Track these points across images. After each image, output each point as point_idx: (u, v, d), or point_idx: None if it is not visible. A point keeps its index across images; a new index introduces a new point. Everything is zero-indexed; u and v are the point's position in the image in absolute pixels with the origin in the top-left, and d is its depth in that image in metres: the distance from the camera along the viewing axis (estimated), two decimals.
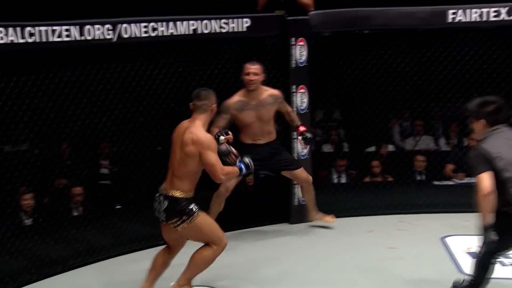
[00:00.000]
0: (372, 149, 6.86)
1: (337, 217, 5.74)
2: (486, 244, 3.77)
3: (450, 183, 6.30)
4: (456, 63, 5.90)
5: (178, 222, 3.96)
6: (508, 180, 3.63)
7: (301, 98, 5.65)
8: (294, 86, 5.62)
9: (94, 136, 5.48)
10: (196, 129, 3.95)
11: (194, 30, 5.16)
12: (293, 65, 5.59)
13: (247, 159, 4.20)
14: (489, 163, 3.62)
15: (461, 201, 5.68)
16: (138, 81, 5.29)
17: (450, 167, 6.45)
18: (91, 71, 5.08)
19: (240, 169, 4.15)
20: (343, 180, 6.51)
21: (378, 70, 5.96)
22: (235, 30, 5.31)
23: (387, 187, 6.13)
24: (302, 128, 5.22)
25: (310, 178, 5.39)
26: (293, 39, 5.56)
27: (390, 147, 6.99)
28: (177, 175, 3.97)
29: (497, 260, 3.92)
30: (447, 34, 5.78)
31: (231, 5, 6.71)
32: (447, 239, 5.20)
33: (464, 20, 5.51)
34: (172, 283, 4.19)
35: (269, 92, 5.16)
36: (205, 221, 4.07)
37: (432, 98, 6.50)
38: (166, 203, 3.97)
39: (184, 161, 3.94)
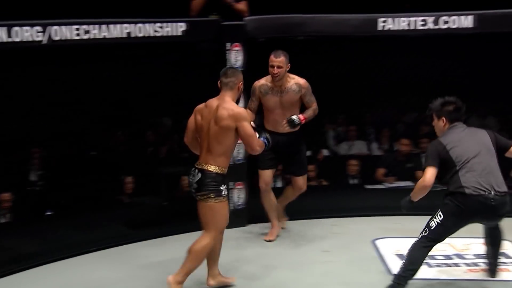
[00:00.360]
0: (308, 153, 6.92)
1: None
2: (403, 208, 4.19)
3: (381, 186, 6.44)
4: (387, 70, 6.06)
5: (205, 197, 4.06)
6: (459, 166, 4.02)
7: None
8: None
9: (23, 141, 5.33)
10: (229, 104, 4.08)
11: (128, 33, 5.10)
12: None
13: (267, 134, 4.33)
14: (440, 156, 4.04)
15: (392, 204, 5.79)
16: (71, 85, 5.18)
17: (381, 171, 6.61)
18: (21, 75, 4.94)
19: (265, 143, 4.23)
20: (279, 184, 6.55)
21: (312, 76, 6.03)
22: (170, 34, 5.28)
23: (322, 191, 6.22)
24: (301, 116, 5.12)
25: (305, 188, 5.40)
26: (228, 44, 5.56)
27: (325, 152, 7.10)
28: (213, 151, 4.05)
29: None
30: (378, 42, 5.91)
31: (168, 9, 6.66)
32: (378, 242, 5.31)
33: (393, 28, 5.66)
34: (170, 276, 4.12)
35: (295, 80, 5.17)
36: (224, 209, 4.18)
37: (366, 104, 6.65)
38: (199, 175, 4.06)
39: (220, 136, 4.04)
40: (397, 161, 6.58)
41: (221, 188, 4.10)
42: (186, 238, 4.83)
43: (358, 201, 6.07)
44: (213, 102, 4.14)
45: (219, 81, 4.19)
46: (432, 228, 4.08)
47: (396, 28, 5.66)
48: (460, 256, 4.95)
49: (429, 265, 4.74)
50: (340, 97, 6.35)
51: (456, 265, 4.80)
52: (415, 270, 4.10)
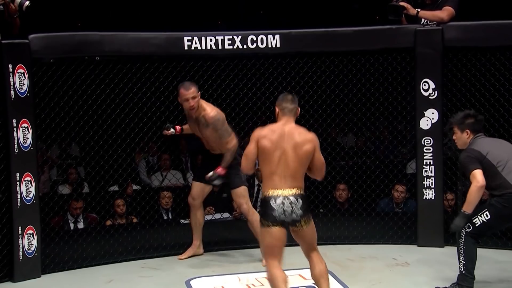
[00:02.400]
0: (115, 188, 6.25)
1: (73, 268, 5.11)
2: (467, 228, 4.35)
3: None
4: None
5: (309, 219, 4.00)
6: (500, 169, 4.32)
7: (24, 134, 4.88)
8: (14, 120, 4.84)
9: None
10: (304, 130, 4.07)
11: None
12: (13, 96, 4.82)
13: None
14: (479, 162, 4.31)
15: (207, 239, 5.37)
16: None
17: None
18: None
19: None
20: (81, 225, 5.79)
21: (114, 100, 5.44)
22: None
23: (130, 230, 5.57)
24: (218, 169, 4.96)
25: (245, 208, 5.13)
26: (10, 66, 4.80)
27: (135, 186, 6.47)
28: (295, 175, 3.97)
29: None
30: (186, 62, 5.47)
31: None
32: (193, 282, 4.81)
33: (200, 48, 5.27)
34: None
35: (205, 111, 4.96)
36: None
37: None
38: (301, 202, 3.94)
39: (302, 160, 3.99)
40: (212, 192, 6.12)
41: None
42: None
43: (170, 238, 5.50)
44: (280, 128, 4.04)
45: (279, 107, 4.10)
46: (476, 225, 4.31)
47: (203, 48, 5.29)
48: None
49: None
50: (149, 122, 5.80)
51: None
52: (474, 265, 4.36)
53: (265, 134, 4.03)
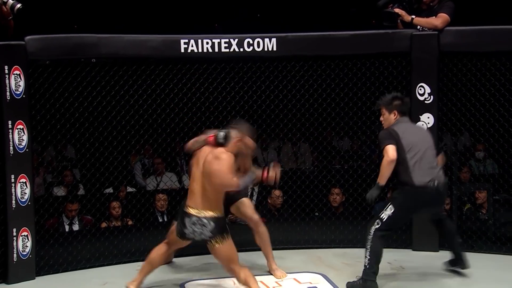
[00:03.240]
0: (110, 190, 6.24)
1: (67, 270, 5.09)
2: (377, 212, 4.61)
3: None
4: (194, 95, 5.64)
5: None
6: (408, 156, 4.50)
7: (20, 135, 4.87)
8: (10, 122, 4.83)
9: None
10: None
11: None
12: (8, 98, 4.81)
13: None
14: (395, 140, 4.50)
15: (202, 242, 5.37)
16: None
17: None
18: None
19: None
20: (76, 227, 5.78)
21: (109, 102, 5.43)
22: None
23: (125, 232, 5.56)
24: None
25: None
26: (6, 67, 4.79)
27: (130, 188, 6.46)
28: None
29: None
30: (182, 64, 5.46)
31: None
32: (187, 285, 4.81)
33: (196, 50, 5.27)
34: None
35: None
36: None
37: (177, 132, 6.14)
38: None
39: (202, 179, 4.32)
40: None
41: None
42: None
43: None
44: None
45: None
46: (384, 220, 4.48)
47: (199, 50, 5.29)
48: None
49: None
50: (145, 124, 5.80)
51: None
52: (379, 260, 4.51)
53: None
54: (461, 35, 5.39)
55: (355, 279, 4.62)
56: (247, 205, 4.91)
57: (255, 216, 4.89)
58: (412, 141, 4.54)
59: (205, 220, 4.19)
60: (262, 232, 4.88)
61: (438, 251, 5.39)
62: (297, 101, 5.71)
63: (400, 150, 4.48)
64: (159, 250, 4.56)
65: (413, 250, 5.48)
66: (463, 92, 5.50)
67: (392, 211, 4.48)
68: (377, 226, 4.50)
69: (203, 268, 5.15)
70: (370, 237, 4.50)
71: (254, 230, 4.89)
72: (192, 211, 4.23)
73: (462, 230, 5.55)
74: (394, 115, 4.66)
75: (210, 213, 4.20)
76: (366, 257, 4.50)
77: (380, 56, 5.55)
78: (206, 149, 4.30)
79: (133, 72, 5.40)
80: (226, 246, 4.22)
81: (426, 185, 4.47)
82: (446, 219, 4.89)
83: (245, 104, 5.74)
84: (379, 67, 5.59)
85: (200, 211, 4.21)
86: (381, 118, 4.75)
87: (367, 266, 4.50)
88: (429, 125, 5.40)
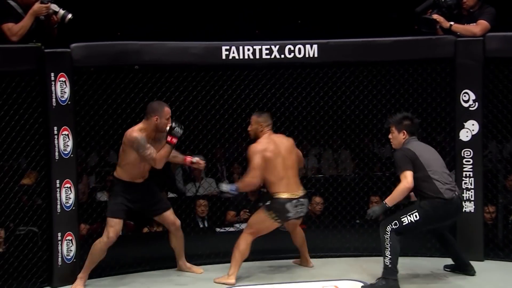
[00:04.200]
0: None
1: (110, 275, 5.17)
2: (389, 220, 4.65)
3: (233, 229, 5.91)
4: (235, 101, 5.65)
5: None
6: (431, 173, 4.62)
7: (65, 141, 4.96)
8: (55, 128, 4.93)
9: None
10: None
11: None
12: (54, 104, 4.91)
13: None
14: (412, 163, 4.62)
15: None
16: None
17: (231, 213, 6.10)
18: None
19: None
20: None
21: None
22: None
23: (167, 238, 5.58)
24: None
25: (178, 221, 5.09)
26: (52, 74, 4.89)
27: (171, 194, 6.50)
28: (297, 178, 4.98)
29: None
30: (223, 71, 5.49)
31: None
32: None
33: (237, 57, 5.28)
34: None
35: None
36: None
37: (217, 138, 6.17)
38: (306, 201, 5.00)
39: (295, 164, 5.00)
40: (248, 200, 6.13)
41: None
42: None
43: (207, 246, 5.50)
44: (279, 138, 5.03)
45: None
46: (404, 224, 4.57)
47: (240, 57, 5.30)
48: None
49: None
50: (186, 131, 5.83)
51: None
52: (398, 259, 4.59)
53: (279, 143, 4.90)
54: (507, 41, 5.28)
55: (375, 281, 4.65)
56: (170, 211, 5.10)
57: (178, 222, 5.11)
58: (428, 157, 4.69)
59: (302, 200, 4.88)
60: (180, 236, 5.13)
61: (483, 261, 5.28)
62: (338, 107, 5.66)
63: (421, 168, 4.61)
64: (247, 240, 4.90)
65: None
66: (509, 99, 5.37)
67: (416, 219, 4.57)
68: (395, 228, 4.58)
69: (244, 275, 5.13)
70: (387, 236, 4.58)
71: (174, 234, 5.10)
72: (299, 193, 4.87)
73: (508, 240, 5.42)
74: (403, 135, 4.77)
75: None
76: (386, 256, 4.58)
77: (423, 62, 5.47)
78: (274, 139, 4.97)
79: (175, 79, 5.45)
80: None
81: (453, 198, 4.62)
82: (445, 230, 4.96)
83: (286, 111, 5.73)
84: (422, 73, 5.52)
85: (300, 192, 4.88)
86: (390, 136, 4.87)
87: (389, 265, 4.56)
88: (473, 132, 5.30)
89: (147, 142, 4.79)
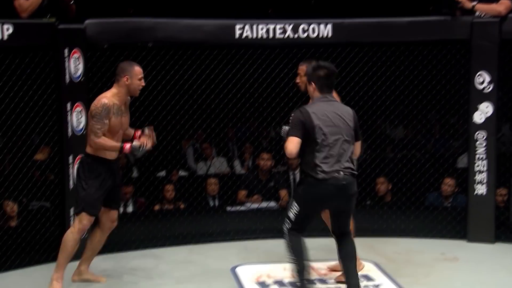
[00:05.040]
0: (162, 173, 6.32)
1: (122, 251, 5.19)
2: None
3: (243, 208, 5.93)
4: (247, 80, 5.63)
5: None
6: (319, 147, 3.87)
7: (78, 118, 4.98)
8: (69, 104, 4.94)
9: None
10: None
11: None
12: (67, 80, 4.92)
13: None
14: (304, 129, 3.85)
15: (253, 227, 5.42)
16: None
17: (242, 192, 6.11)
18: None
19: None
20: (130, 209, 5.88)
21: (164, 87, 5.48)
22: None
23: (177, 215, 5.63)
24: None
25: (115, 225, 4.60)
26: (66, 50, 4.89)
27: (182, 172, 6.52)
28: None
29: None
30: (237, 50, 5.46)
31: None
32: (238, 269, 4.83)
33: (251, 36, 5.25)
34: None
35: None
36: None
37: (227, 117, 6.17)
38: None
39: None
40: (259, 180, 6.14)
41: None
42: None
43: (217, 224, 5.53)
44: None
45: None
46: (292, 219, 4.01)
47: (254, 36, 5.26)
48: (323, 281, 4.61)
49: None
50: (199, 109, 5.83)
51: None
52: (305, 255, 4.02)
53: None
54: None
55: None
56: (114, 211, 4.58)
57: (116, 224, 4.59)
58: (327, 125, 3.91)
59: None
60: (103, 240, 4.60)
61: (494, 243, 5.28)
62: (351, 88, 5.63)
63: (311, 138, 3.89)
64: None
65: (468, 241, 5.37)
66: None
67: (297, 209, 4.00)
68: (289, 227, 4.03)
69: (254, 253, 5.18)
70: (286, 237, 4.04)
71: (102, 233, 4.58)
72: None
73: None
74: (313, 88, 4.00)
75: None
76: (291, 258, 4.04)
77: (439, 44, 5.42)
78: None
79: (188, 57, 5.44)
80: None
81: (327, 179, 3.89)
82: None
83: (298, 90, 5.71)
84: (437, 54, 5.47)
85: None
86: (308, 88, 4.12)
87: (298, 269, 4.00)
88: (487, 115, 5.26)
89: (117, 112, 4.29)
